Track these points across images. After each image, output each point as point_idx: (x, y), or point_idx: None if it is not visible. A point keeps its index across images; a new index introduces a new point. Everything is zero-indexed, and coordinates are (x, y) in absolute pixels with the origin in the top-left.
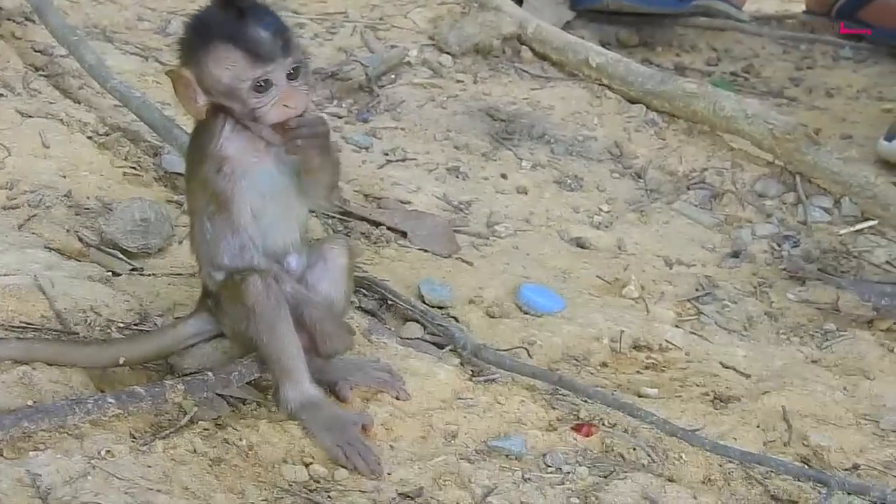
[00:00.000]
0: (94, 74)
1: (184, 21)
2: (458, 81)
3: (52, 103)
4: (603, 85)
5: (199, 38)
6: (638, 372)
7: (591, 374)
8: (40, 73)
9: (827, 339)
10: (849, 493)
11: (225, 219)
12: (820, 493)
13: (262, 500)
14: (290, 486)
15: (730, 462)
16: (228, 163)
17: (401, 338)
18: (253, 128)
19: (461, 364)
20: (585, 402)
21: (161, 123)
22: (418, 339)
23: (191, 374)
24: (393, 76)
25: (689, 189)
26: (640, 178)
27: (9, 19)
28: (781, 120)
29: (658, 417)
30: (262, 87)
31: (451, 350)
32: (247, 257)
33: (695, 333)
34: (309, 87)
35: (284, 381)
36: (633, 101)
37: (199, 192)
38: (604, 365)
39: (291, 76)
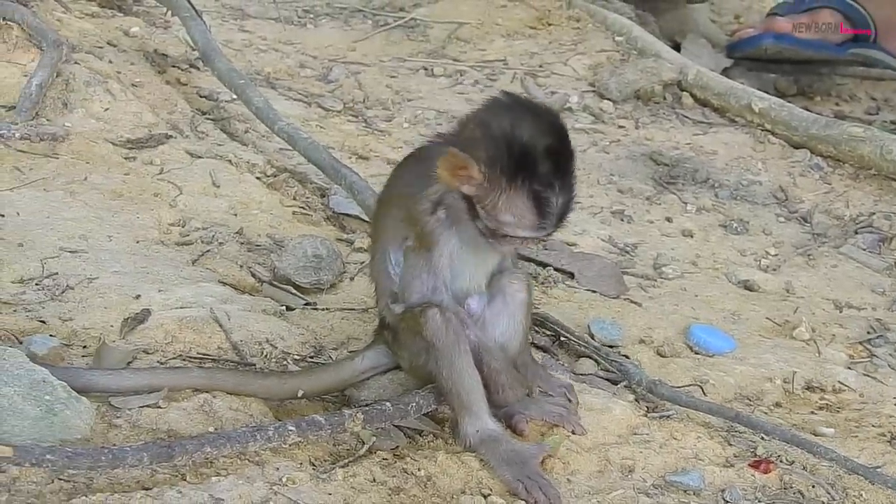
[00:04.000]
0: (262, 117)
1: (509, 119)
2: (620, 127)
3: (220, 145)
4: (766, 130)
5: (511, 160)
6: (812, 412)
7: (765, 413)
8: (206, 116)
9: None
10: None
11: (425, 258)
12: None
13: None
14: None
15: None
16: (444, 209)
17: (574, 373)
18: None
19: (636, 400)
20: (763, 439)
21: (328, 164)
22: (592, 374)
23: (368, 404)
24: None
25: (856, 233)
26: (806, 221)
27: (174, 66)
28: None
29: (838, 454)
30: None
31: (625, 386)
32: (436, 297)
33: (868, 375)
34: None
35: (464, 415)
36: (796, 146)
37: (400, 226)
38: (777, 405)
39: None
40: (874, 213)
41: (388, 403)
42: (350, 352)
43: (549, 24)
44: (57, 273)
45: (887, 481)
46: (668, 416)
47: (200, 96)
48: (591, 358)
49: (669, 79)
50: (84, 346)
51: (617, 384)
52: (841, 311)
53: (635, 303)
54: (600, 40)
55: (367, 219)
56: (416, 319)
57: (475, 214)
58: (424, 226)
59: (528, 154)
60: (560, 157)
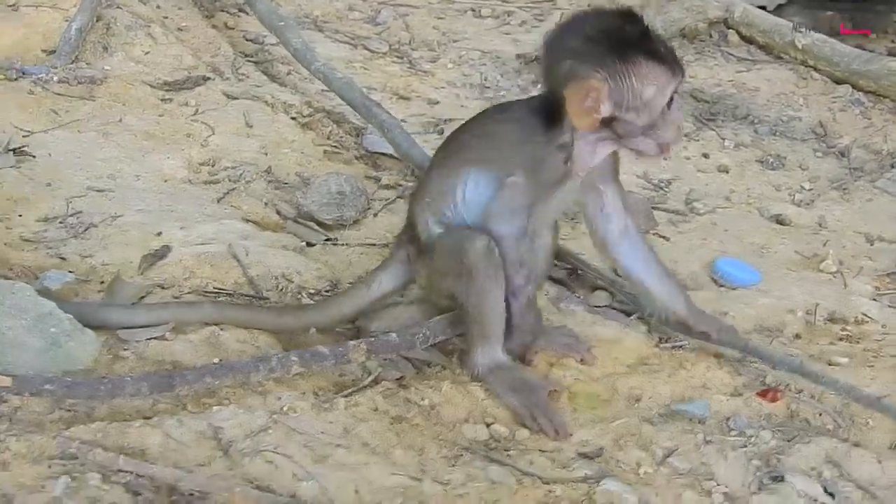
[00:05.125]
0: (299, 57)
1: (582, 32)
2: None
3: (258, 87)
4: (809, 66)
5: (616, 52)
6: (831, 343)
7: (783, 344)
8: (249, 59)
9: None
10: None
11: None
12: None
13: (442, 458)
14: (469, 444)
15: None
16: (572, 161)
17: (589, 305)
18: (630, 143)
19: (648, 331)
20: (773, 368)
21: (361, 103)
22: (606, 306)
23: (375, 335)
24: None
25: (892, 167)
26: (843, 156)
27: (223, 11)
28: None
29: (844, 384)
30: (670, 103)
31: (638, 317)
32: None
33: (892, 307)
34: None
35: (479, 343)
36: (838, 82)
37: (508, 161)
38: (797, 336)
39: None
40: None
41: (394, 335)
42: (366, 274)
43: None
44: (81, 211)
45: (890, 409)
46: (679, 347)
47: (247, 40)
48: (605, 290)
49: (715, 17)
50: (101, 282)
51: (631, 315)
52: (872, 244)
53: (663, 237)
54: None
55: (397, 156)
56: (462, 244)
57: (624, 132)
58: (552, 172)
59: (614, 33)
60: (632, 16)
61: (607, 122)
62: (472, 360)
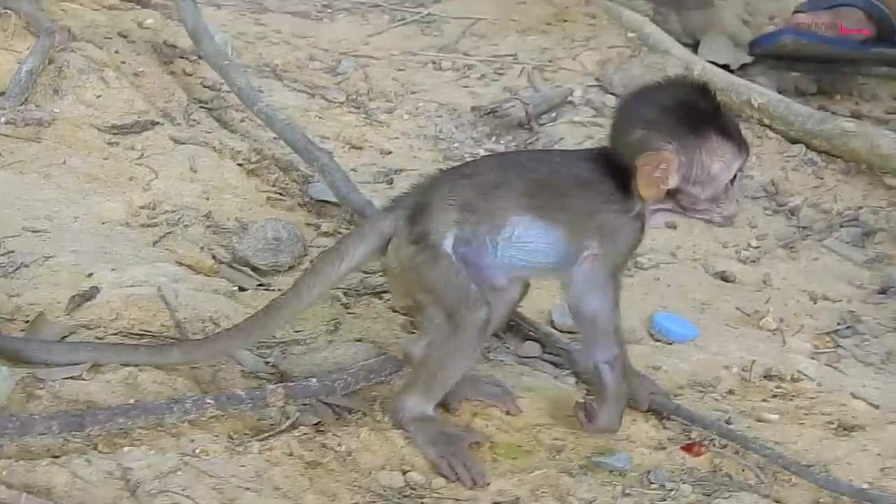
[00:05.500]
0: (243, 97)
1: (657, 102)
2: None
3: (208, 132)
4: (765, 125)
5: (689, 126)
6: (764, 400)
7: (715, 400)
8: (203, 105)
9: None
10: None
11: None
12: None
13: None
14: (384, 491)
15: None
16: (644, 234)
17: (518, 356)
18: (690, 215)
19: (577, 383)
20: (705, 430)
21: (303, 145)
22: (536, 357)
23: (296, 379)
24: (554, 114)
25: (841, 227)
26: (793, 215)
27: (182, 57)
28: None
29: (773, 451)
30: (733, 180)
31: (567, 370)
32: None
33: (830, 366)
34: None
35: (417, 393)
36: (793, 141)
37: (580, 224)
38: (730, 392)
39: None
40: (861, 208)
41: (314, 380)
42: (339, 241)
43: (565, 21)
44: (14, 251)
45: (817, 479)
46: None
47: (204, 86)
48: (537, 342)
49: (674, 75)
50: (26, 321)
51: (561, 367)
52: (815, 303)
53: None
54: (612, 36)
55: (337, 201)
56: (466, 299)
57: (687, 204)
58: (629, 242)
59: (688, 106)
60: (706, 90)
61: (671, 194)
62: (402, 404)
